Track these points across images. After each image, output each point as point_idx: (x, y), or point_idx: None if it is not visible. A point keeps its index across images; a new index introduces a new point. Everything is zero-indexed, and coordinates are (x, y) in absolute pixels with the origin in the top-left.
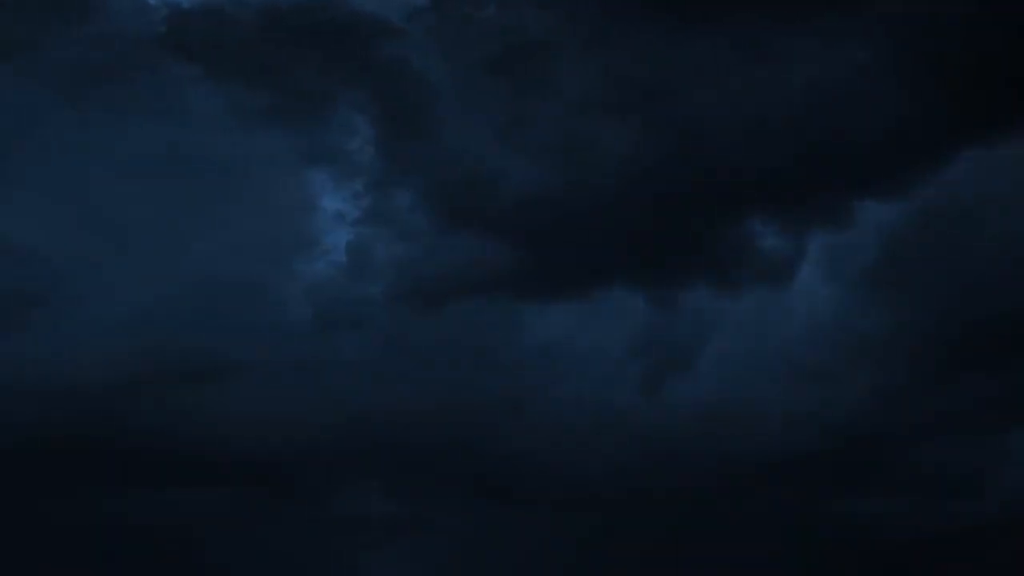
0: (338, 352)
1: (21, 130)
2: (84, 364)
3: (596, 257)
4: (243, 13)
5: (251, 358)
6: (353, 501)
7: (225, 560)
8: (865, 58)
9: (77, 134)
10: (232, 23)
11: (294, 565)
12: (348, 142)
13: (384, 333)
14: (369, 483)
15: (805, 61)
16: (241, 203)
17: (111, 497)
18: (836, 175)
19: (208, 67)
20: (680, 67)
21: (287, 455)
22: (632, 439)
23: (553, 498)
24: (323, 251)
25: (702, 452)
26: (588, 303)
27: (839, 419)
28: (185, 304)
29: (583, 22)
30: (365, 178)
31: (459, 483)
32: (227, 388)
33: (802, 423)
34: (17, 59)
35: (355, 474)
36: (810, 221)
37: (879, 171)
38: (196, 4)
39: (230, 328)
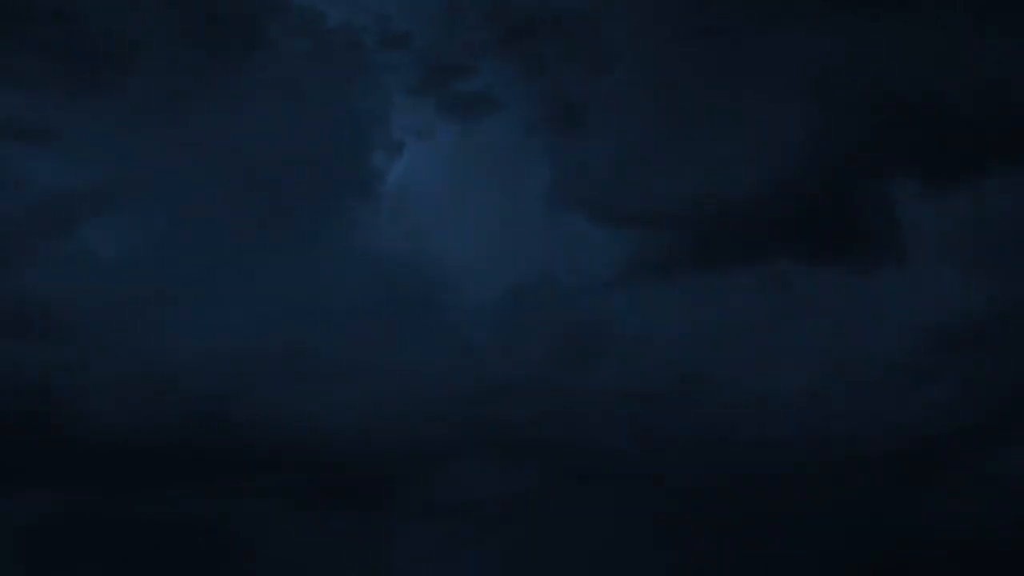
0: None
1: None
2: (198, 366)
3: (736, 241)
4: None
5: (363, 357)
6: (458, 489)
7: (329, 549)
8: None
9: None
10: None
11: (399, 554)
12: (506, 142)
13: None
14: (476, 472)
15: (956, 38)
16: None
17: (216, 496)
18: (975, 148)
19: None
20: (851, 45)
21: (392, 448)
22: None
23: (638, 487)
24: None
25: (789, 441)
26: (701, 288)
27: (922, 416)
28: (306, 307)
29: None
30: (519, 177)
31: (562, 473)
32: (337, 386)
33: (884, 418)
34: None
35: (462, 464)
36: (944, 196)
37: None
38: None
39: (345, 327)
